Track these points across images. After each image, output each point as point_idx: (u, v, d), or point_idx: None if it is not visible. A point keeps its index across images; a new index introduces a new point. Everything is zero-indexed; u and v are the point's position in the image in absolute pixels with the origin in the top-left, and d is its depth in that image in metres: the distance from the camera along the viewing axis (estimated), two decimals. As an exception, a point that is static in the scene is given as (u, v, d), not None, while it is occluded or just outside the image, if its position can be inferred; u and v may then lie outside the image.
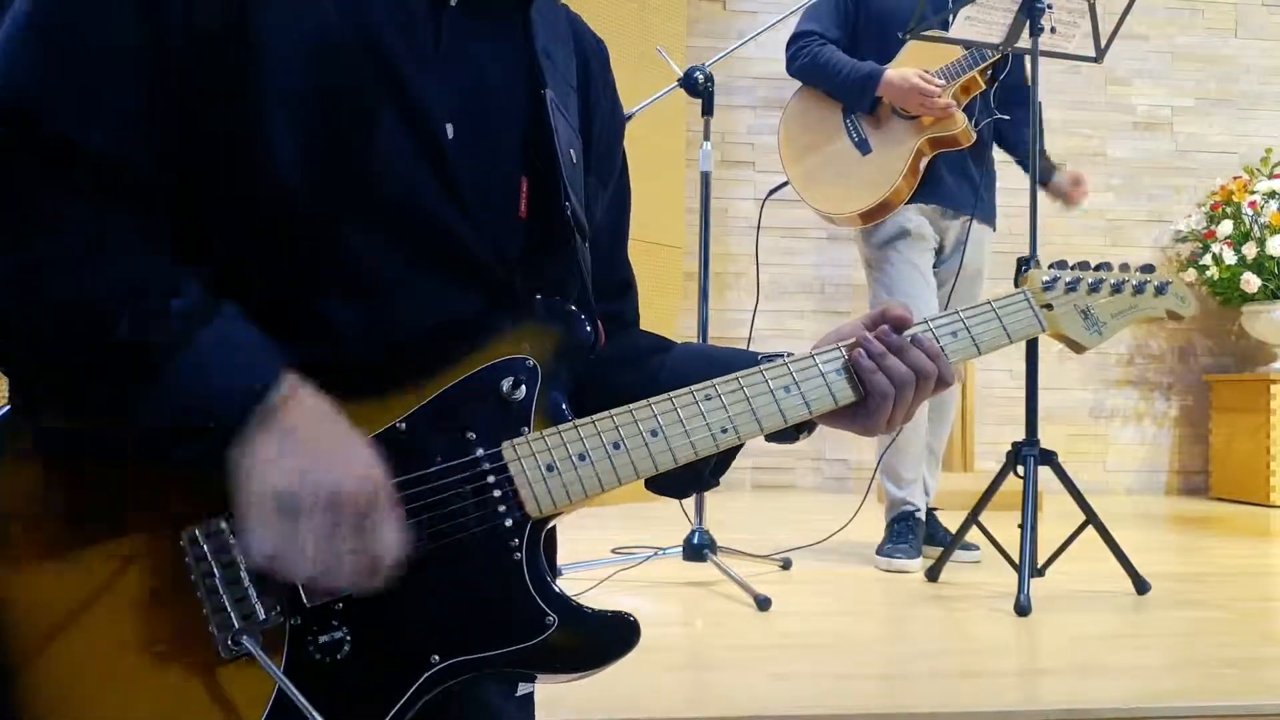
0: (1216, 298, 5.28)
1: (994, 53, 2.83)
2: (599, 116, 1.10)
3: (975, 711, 1.64)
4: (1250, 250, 4.96)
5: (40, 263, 0.77)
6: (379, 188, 0.87)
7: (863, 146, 3.01)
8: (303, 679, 0.80)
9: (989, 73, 2.98)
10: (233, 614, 0.79)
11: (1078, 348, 1.10)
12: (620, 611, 0.89)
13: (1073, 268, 1.10)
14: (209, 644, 0.80)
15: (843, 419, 1.00)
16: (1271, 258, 4.90)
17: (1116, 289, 1.10)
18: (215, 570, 0.80)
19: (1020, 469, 2.52)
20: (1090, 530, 2.52)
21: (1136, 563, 2.57)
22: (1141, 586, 2.55)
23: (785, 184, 3.10)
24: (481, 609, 0.86)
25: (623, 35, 4.07)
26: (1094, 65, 2.90)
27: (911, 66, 2.93)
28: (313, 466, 0.77)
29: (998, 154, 3.18)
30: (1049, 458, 2.54)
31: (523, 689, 1.00)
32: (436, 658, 0.84)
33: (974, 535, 2.72)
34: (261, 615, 0.80)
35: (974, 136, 2.94)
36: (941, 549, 2.79)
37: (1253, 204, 5.04)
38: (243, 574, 0.80)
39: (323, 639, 0.82)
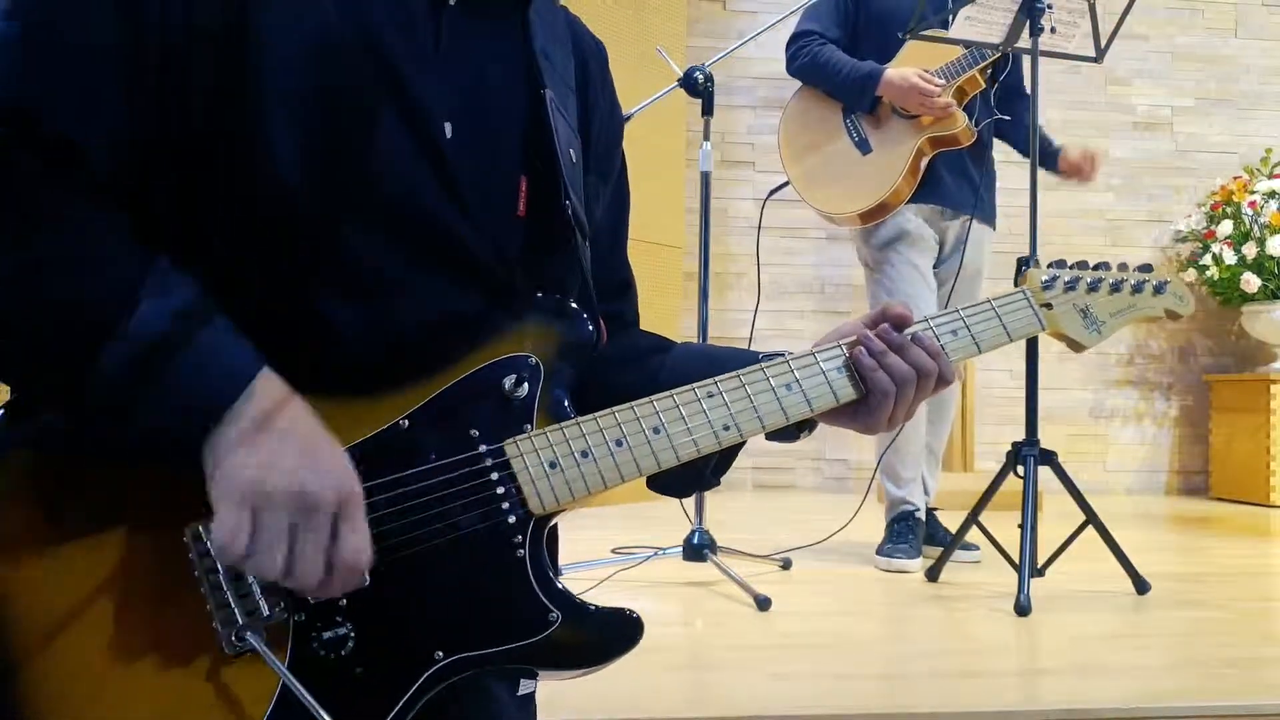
0: (1216, 298, 5.28)
1: (994, 52, 2.84)
2: (597, 118, 1.10)
3: (975, 711, 1.64)
4: (1250, 250, 4.96)
5: (40, 263, 0.77)
6: (379, 187, 0.87)
7: (863, 146, 3.01)
8: (306, 675, 0.80)
9: (989, 72, 2.98)
10: (236, 610, 0.80)
11: (1077, 346, 1.10)
12: (623, 609, 0.89)
13: (1072, 267, 1.11)
14: (212, 641, 0.80)
15: (844, 417, 1.00)
16: (1271, 258, 4.91)
17: (1115, 288, 1.11)
18: (219, 566, 0.80)
19: (1020, 469, 2.52)
20: (1090, 530, 2.52)
21: (1136, 563, 2.57)
22: (1141, 586, 2.55)
23: (786, 184, 3.10)
24: (485, 606, 0.86)
25: (622, 35, 4.08)
26: (1094, 65, 2.91)
27: (911, 66, 2.93)
28: (280, 462, 0.77)
29: (998, 153, 3.18)
30: (1049, 458, 2.54)
31: (524, 688, 1.00)
32: (440, 654, 0.84)
33: (974, 535, 2.72)
34: (265, 611, 0.80)
35: (974, 135, 2.94)
36: (941, 549, 2.79)
37: (1253, 204, 5.04)
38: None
39: (326, 635, 0.82)
